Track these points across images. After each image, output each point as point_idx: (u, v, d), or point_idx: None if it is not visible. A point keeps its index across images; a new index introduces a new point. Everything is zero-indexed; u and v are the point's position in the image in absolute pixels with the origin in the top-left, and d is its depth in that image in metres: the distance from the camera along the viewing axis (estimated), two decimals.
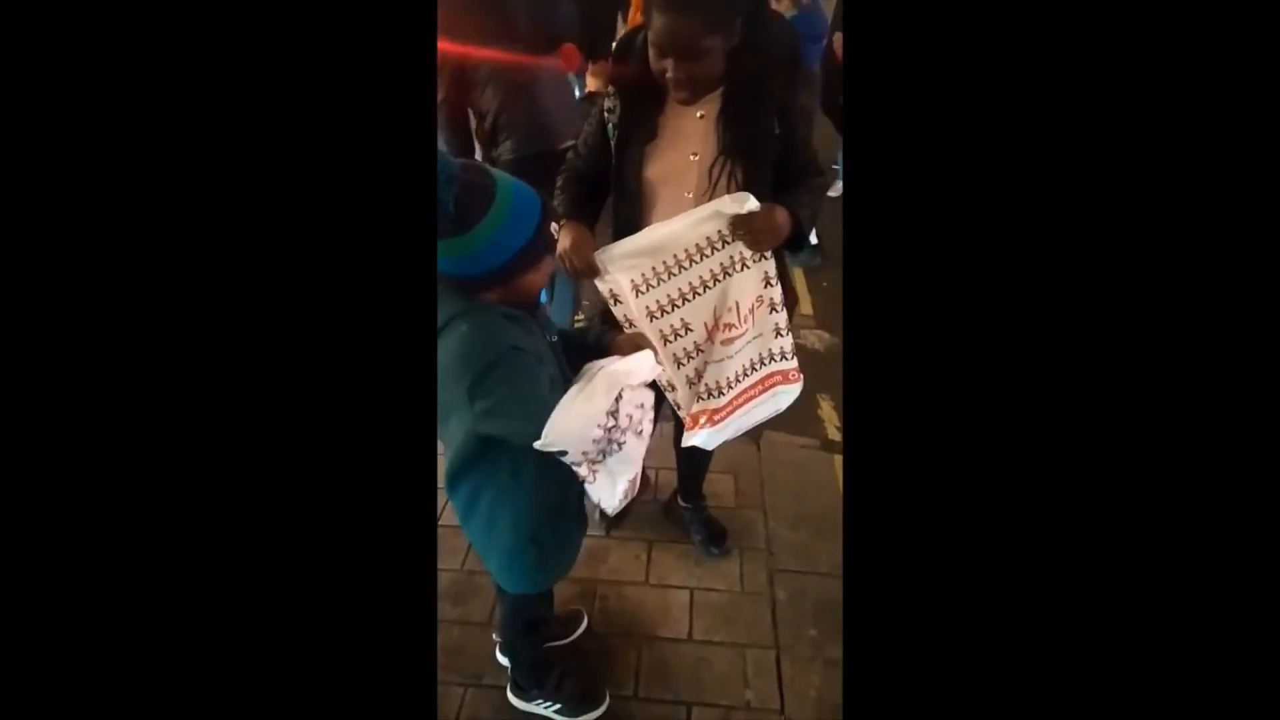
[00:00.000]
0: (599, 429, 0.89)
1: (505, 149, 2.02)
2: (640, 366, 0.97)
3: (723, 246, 1.22)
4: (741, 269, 1.24)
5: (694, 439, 1.34)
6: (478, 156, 2.17)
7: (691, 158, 1.25)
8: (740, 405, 1.35)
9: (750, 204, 1.16)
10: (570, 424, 0.88)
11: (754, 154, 1.22)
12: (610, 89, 1.28)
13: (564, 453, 0.90)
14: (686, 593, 1.69)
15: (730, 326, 1.28)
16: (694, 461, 1.72)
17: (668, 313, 1.26)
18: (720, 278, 1.24)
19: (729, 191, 1.24)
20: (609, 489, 0.99)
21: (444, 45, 1.91)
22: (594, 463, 0.94)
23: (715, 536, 1.81)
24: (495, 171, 0.93)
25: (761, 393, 1.37)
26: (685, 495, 1.86)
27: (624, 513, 1.94)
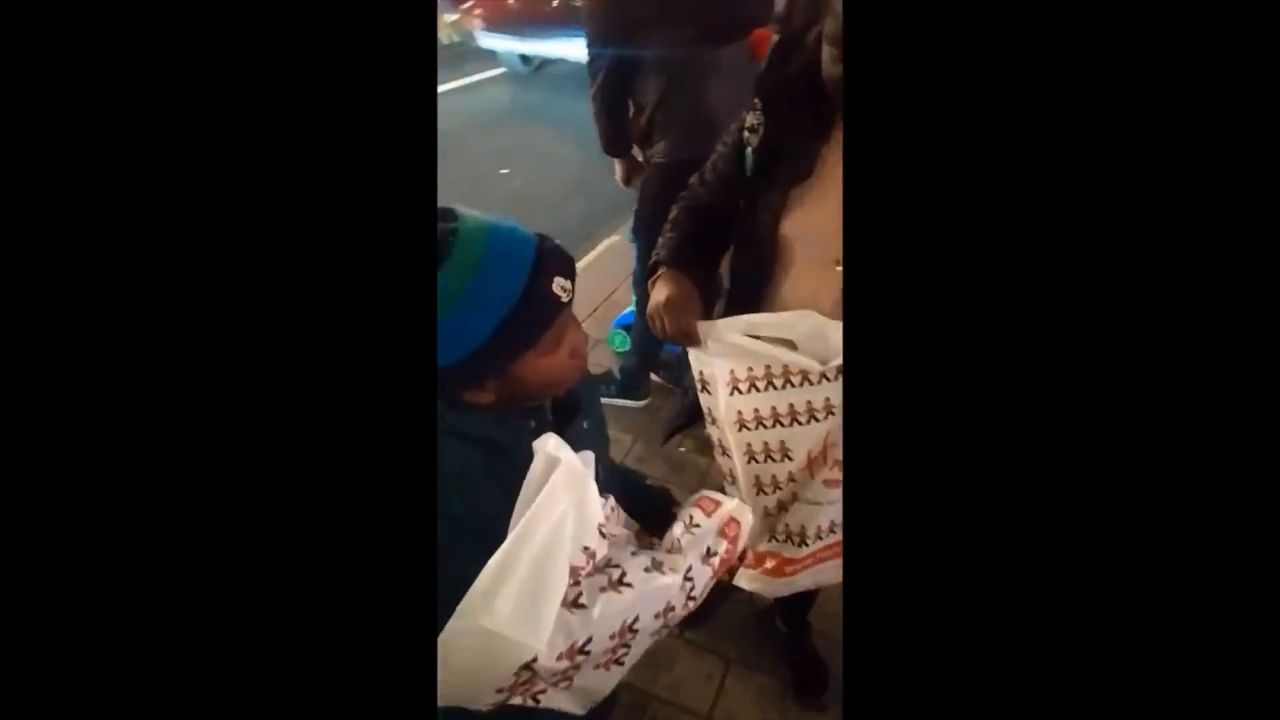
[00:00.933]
0: (496, 693, 0.62)
1: (659, 149, 1.72)
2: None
3: None
4: None
5: (746, 579, 1.00)
6: (635, 154, 1.89)
7: None
8: (826, 560, 0.99)
9: None
10: (447, 690, 0.59)
11: None
12: (756, 101, 0.91)
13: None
14: None
15: (840, 465, 0.89)
16: None
17: (766, 427, 0.90)
18: None
19: None
20: (568, 702, 0.69)
21: (604, 22, 1.63)
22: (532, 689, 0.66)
23: (813, 680, 1.40)
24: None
25: None
26: (785, 616, 1.47)
27: (706, 612, 1.62)
